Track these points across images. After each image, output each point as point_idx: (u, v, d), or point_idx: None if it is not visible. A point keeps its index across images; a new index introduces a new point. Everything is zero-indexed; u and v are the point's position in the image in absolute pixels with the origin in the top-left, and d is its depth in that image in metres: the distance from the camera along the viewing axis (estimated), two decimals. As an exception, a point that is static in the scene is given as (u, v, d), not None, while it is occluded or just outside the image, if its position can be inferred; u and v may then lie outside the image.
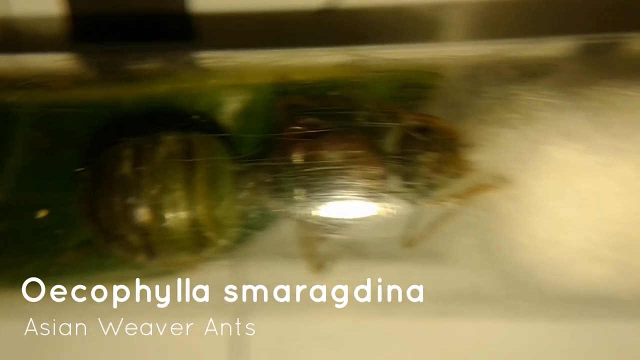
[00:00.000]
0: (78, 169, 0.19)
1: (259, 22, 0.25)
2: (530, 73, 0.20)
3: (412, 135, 0.19)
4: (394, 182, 0.19)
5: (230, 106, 0.21)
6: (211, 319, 0.24)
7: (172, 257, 0.19)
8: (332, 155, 0.19)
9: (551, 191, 0.18)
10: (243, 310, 0.24)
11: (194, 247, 0.19)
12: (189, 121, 0.20)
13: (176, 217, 0.18)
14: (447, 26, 0.24)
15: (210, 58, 0.22)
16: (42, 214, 0.20)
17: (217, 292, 0.21)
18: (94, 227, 0.19)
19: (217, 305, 0.22)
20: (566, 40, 0.22)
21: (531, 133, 0.19)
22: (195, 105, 0.21)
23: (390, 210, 0.19)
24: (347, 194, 0.19)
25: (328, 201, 0.19)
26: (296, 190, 0.19)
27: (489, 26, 0.24)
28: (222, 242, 0.19)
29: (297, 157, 0.19)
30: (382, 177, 0.19)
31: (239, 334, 0.24)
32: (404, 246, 0.19)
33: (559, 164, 0.18)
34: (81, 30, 0.25)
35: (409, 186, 0.19)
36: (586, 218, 0.18)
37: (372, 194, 0.19)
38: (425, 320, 0.23)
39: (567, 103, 0.19)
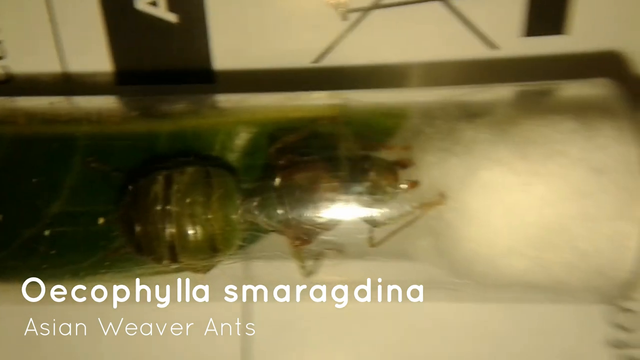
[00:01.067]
0: (127, 186, 0.21)
1: (265, 74, 0.26)
2: (472, 114, 0.21)
3: (361, 162, 0.21)
4: (350, 198, 0.21)
5: (241, 139, 0.23)
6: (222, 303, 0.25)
7: (191, 263, 0.21)
8: (303, 179, 0.21)
9: (485, 204, 0.20)
10: (248, 309, 0.26)
11: (208, 255, 0.21)
12: (207, 157, 0.22)
13: (196, 230, 0.20)
14: (411, 77, 0.26)
15: (227, 100, 0.24)
16: (100, 220, 0.21)
17: (223, 293, 0.23)
18: (129, 237, 0.21)
19: (224, 305, 0.25)
20: (505, 88, 0.24)
21: (470, 160, 0.20)
22: (215, 138, 0.23)
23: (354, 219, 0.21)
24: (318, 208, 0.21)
25: (306, 213, 0.21)
26: (278, 207, 0.21)
27: (442, 77, 0.26)
28: (230, 250, 0.21)
29: (278, 182, 0.21)
30: (340, 195, 0.21)
31: (245, 334, 0.26)
32: (371, 246, 0.21)
33: (490, 184, 0.20)
34: (125, 80, 0.27)
35: (361, 199, 0.21)
36: (512, 224, 0.20)
37: (334, 207, 0.21)
38: (388, 304, 0.24)
39: (498, 137, 0.21)
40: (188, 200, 0.20)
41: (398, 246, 0.22)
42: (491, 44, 0.26)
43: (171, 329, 0.25)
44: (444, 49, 0.26)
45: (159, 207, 0.20)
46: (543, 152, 0.20)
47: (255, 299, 0.23)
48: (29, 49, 0.26)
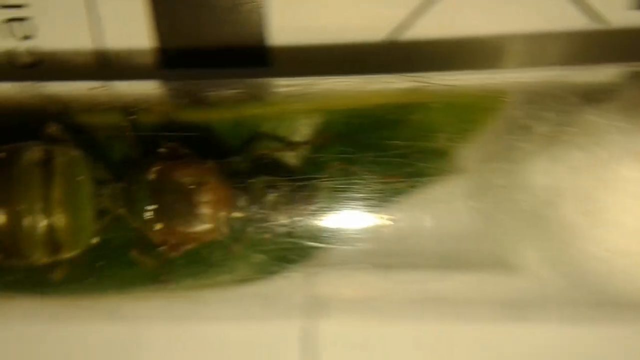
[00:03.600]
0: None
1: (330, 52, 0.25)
2: (594, 98, 0.20)
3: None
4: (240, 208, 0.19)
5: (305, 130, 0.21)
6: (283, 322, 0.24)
7: (27, 260, 0.19)
8: (184, 178, 0.19)
9: (622, 206, 0.19)
10: (313, 314, 0.24)
11: (48, 252, 0.19)
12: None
13: (31, 222, 0.18)
14: (507, 56, 0.24)
15: (288, 85, 0.23)
16: None
17: (290, 297, 0.22)
18: None
19: (287, 310, 0.23)
20: (619, 67, 0.22)
21: (602, 154, 0.19)
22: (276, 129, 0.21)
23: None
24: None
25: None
26: (148, 203, 0.19)
27: (546, 55, 0.24)
28: (78, 247, 0.19)
29: (152, 175, 0.19)
30: (228, 203, 0.19)
31: (309, 338, 0.25)
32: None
33: (629, 181, 0.18)
34: (169, 60, 0.25)
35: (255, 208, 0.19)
36: None
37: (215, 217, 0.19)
38: (489, 325, 0.23)
39: (633, 126, 0.19)
40: (23, 185, 0.18)
41: (498, 256, 0.20)
42: (597, 17, 0.24)
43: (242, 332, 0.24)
44: (544, 21, 0.24)
45: None
46: None
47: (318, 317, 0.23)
48: (61, 27, 0.24)
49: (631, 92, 0.20)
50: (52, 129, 0.19)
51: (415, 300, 0.22)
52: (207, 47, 0.24)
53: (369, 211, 0.20)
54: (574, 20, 0.24)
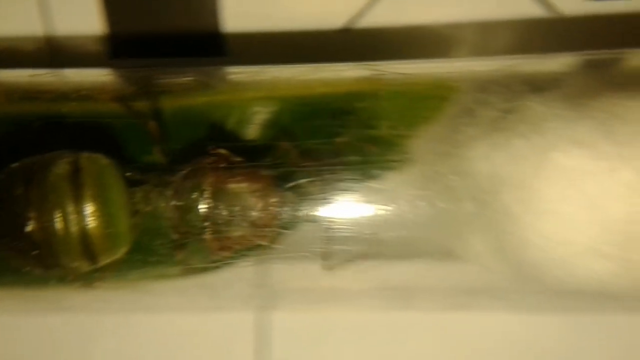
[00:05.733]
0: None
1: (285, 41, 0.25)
2: (538, 87, 0.20)
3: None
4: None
5: (259, 118, 0.21)
6: (236, 313, 0.24)
7: (65, 268, 0.19)
8: (237, 188, 0.19)
9: (560, 194, 0.18)
10: (266, 304, 0.24)
11: (85, 260, 0.19)
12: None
13: (65, 231, 0.18)
14: (459, 44, 0.24)
15: (241, 73, 0.23)
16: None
17: (242, 288, 0.21)
18: None
19: (242, 300, 0.22)
20: (570, 56, 0.22)
21: (540, 141, 0.19)
22: (227, 118, 0.21)
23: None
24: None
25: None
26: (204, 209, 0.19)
27: (496, 44, 0.24)
28: (114, 253, 0.19)
29: (206, 187, 0.19)
30: (277, 211, 0.19)
31: (263, 328, 0.24)
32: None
33: (567, 169, 0.18)
34: (120, 48, 0.25)
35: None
36: (592, 219, 0.18)
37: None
38: (439, 314, 0.23)
39: (574, 114, 0.19)
40: (54, 197, 0.18)
41: (443, 244, 0.20)
42: (550, 6, 0.24)
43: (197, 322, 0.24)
44: (498, 9, 0.24)
45: (18, 206, 0.18)
46: (632, 131, 0.18)
47: (271, 307, 0.23)
48: (10, 13, 0.24)
49: (576, 80, 0.20)
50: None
51: (365, 289, 0.22)
52: (160, 35, 0.24)
53: (322, 200, 0.20)
54: (527, 9, 0.24)
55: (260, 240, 0.19)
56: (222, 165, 0.19)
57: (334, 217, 0.20)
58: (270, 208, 0.19)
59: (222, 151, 0.19)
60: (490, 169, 0.19)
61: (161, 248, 0.20)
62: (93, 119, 0.21)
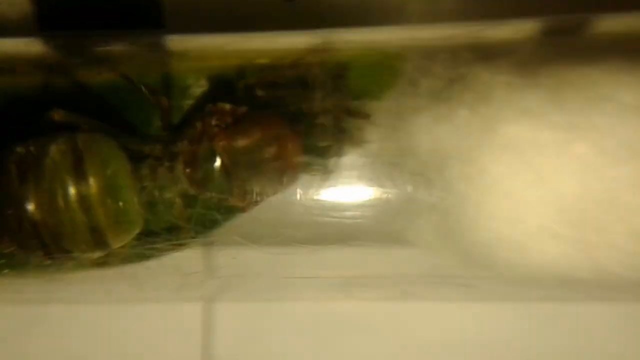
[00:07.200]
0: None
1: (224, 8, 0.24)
2: (487, 54, 0.19)
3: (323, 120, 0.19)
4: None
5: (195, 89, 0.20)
6: (182, 304, 0.24)
7: (71, 256, 0.18)
8: (252, 139, 0.19)
9: (508, 169, 0.18)
10: (212, 295, 0.23)
11: (92, 244, 0.18)
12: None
13: (71, 220, 0.18)
14: (407, 10, 0.24)
15: (178, 41, 0.22)
16: None
17: (187, 277, 0.21)
18: None
19: (187, 290, 0.22)
20: (522, 23, 0.21)
21: (487, 111, 0.18)
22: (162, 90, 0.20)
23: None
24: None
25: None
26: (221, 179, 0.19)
27: (447, 9, 0.24)
28: (126, 235, 0.19)
29: (218, 147, 0.18)
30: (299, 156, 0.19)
31: (208, 319, 0.24)
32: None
33: (515, 141, 0.18)
34: (48, 15, 0.24)
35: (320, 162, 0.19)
36: (544, 196, 0.18)
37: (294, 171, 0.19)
38: (385, 303, 0.23)
39: (523, 81, 0.18)
40: (54, 182, 0.18)
41: (386, 227, 0.20)
42: None
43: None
44: None
45: (15, 183, 0.18)
46: (585, 99, 0.18)
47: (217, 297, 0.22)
48: None
49: (527, 47, 0.20)
50: (57, 115, 0.19)
51: (308, 277, 0.21)
52: (91, 4, 0.24)
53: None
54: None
55: (286, 185, 0.19)
56: (229, 120, 0.19)
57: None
58: (292, 151, 0.19)
59: (225, 106, 0.19)
60: (433, 143, 0.19)
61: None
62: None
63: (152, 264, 0.20)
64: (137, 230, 0.19)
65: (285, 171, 0.19)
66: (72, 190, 0.18)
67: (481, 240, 0.19)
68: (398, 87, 0.20)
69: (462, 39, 0.20)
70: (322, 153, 0.19)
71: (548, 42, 0.20)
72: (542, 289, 0.21)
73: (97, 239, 0.18)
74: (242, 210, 0.19)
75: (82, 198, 0.18)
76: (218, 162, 0.18)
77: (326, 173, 0.19)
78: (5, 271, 0.20)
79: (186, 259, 0.20)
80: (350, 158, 0.19)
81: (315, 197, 0.19)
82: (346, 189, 0.19)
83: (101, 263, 0.19)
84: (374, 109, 0.20)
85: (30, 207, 0.17)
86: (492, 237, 0.18)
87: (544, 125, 0.18)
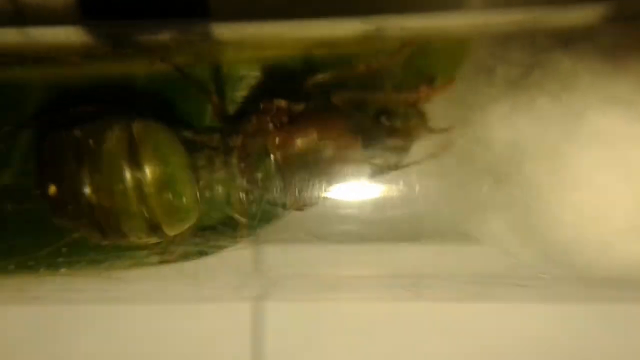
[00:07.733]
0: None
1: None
2: (566, 39, 0.19)
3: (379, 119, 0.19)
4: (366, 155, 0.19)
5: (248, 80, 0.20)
6: (232, 302, 0.24)
7: (127, 239, 0.18)
8: (308, 140, 0.18)
9: (595, 163, 0.18)
10: (264, 293, 0.23)
11: (147, 229, 0.18)
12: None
13: (125, 202, 0.18)
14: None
15: (227, 30, 0.21)
16: (52, 189, 0.19)
17: (239, 276, 0.21)
18: (43, 197, 0.18)
19: (239, 288, 0.22)
20: (600, 6, 0.20)
21: (570, 100, 0.18)
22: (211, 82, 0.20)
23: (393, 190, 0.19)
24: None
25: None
26: (274, 179, 0.18)
27: None
28: (182, 224, 0.19)
29: (272, 146, 0.18)
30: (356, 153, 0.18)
31: (260, 317, 0.24)
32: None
33: (602, 133, 0.17)
34: (91, 3, 0.24)
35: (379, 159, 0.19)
36: (633, 191, 0.17)
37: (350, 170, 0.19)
38: (455, 303, 0.22)
39: (610, 67, 0.18)
40: (107, 173, 0.18)
41: (456, 225, 0.19)
42: None
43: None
44: None
45: (73, 166, 0.18)
46: None
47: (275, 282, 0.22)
48: None
49: (610, 31, 0.19)
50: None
51: (368, 276, 0.21)
52: None
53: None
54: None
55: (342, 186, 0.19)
56: (284, 119, 0.18)
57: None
58: (351, 152, 0.18)
59: (281, 103, 0.18)
60: (511, 135, 0.18)
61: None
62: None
63: (209, 262, 0.20)
64: (192, 221, 0.19)
65: (342, 172, 0.18)
66: (127, 176, 0.18)
67: (563, 239, 0.18)
68: (472, 75, 0.19)
69: (536, 24, 0.20)
70: (389, 150, 0.19)
71: (630, 27, 0.19)
72: (617, 290, 0.20)
73: (152, 226, 0.18)
74: (297, 209, 0.19)
75: (138, 185, 0.18)
76: (272, 161, 0.18)
77: (392, 169, 0.19)
78: (63, 269, 0.20)
79: (237, 257, 0.20)
80: (419, 151, 0.19)
81: (379, 192, 0.19)
82: (415, 183, 0.19)
83: (161, 260, 0.19)
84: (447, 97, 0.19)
85: (87, 189, 0.17)
86: (576, 236, 0.18)
87: (633, 115, 0.17)
